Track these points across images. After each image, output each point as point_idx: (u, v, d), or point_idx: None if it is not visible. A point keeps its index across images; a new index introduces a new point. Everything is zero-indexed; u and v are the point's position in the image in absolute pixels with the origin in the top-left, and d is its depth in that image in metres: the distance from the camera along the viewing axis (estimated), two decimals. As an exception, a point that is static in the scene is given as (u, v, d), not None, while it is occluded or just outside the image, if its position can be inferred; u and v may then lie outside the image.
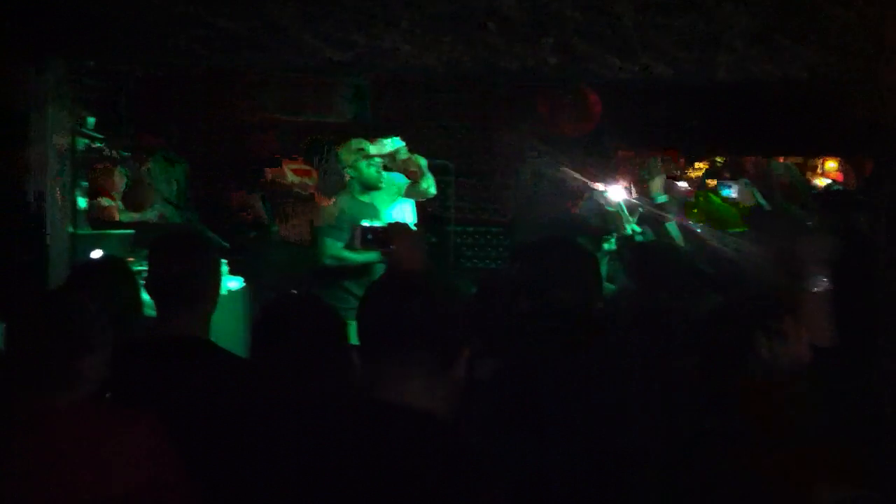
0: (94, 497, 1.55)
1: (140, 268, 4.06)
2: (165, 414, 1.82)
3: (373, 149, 4.66)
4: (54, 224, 3.39)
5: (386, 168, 4.82)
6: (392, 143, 4.89)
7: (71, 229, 3.53)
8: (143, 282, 3.93)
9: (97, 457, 1.58)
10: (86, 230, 4.35)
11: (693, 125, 6.97)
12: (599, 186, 5.15)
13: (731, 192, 5.90)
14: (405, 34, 3.23)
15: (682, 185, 5.60)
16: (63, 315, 1.73)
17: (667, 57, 3.25)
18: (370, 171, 4.63)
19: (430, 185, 4.94)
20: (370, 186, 4.67)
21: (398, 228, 2.28)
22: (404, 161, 4.84)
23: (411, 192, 4.90)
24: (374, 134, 5.10)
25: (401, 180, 4.90)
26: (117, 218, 5.31)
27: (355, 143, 4.69)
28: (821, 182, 7.93)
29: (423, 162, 4.96)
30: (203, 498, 1.82)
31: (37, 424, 1.59)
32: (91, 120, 4.75)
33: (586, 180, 5.19)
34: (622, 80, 3.28)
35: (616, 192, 5.07)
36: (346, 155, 4.67)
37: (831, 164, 7.77)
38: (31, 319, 1.73)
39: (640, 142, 7.23)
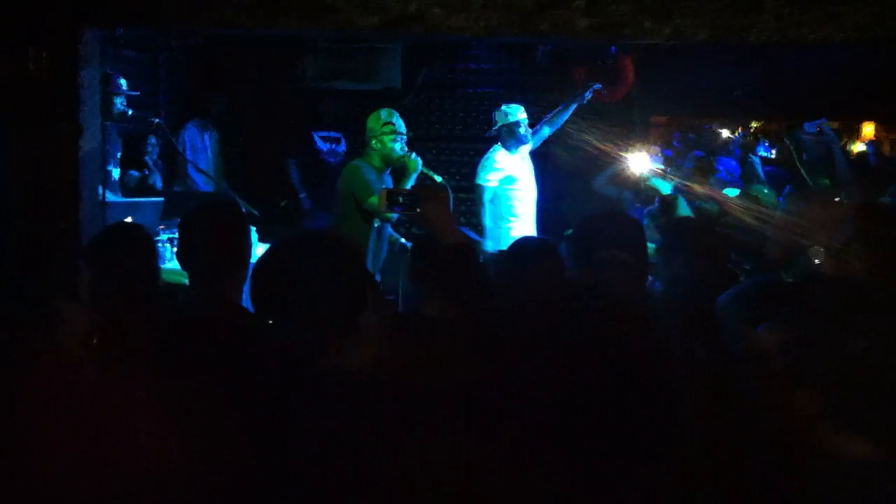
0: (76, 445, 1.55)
1: (170, 235, 4.13)
2: (200, 379, 1.84)
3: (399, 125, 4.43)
4: (88, 192, 3.41)
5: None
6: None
7: (103, 197, 3.56)
8: (168, 250, 4.02)
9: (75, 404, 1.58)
10: (118, 198, 4.39)
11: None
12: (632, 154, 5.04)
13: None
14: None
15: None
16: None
17: (703, 19, 3.16)
18: (394, 146, 4.38)
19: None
20: (389, 162, 4.41)
21: (427, 191, 2.23)
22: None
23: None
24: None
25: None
26: (150, 186, 5.34)
27: (385, 114, 4.44)
28: (854, 148, 7.73)
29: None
30: (233, 461, 1.84)
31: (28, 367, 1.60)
32: (123, 82, 4.76)
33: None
34: (656, 44, 3.20)
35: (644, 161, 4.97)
36: (373, 124, 4.43)
37: (868, 129, 7.61)
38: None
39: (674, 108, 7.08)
